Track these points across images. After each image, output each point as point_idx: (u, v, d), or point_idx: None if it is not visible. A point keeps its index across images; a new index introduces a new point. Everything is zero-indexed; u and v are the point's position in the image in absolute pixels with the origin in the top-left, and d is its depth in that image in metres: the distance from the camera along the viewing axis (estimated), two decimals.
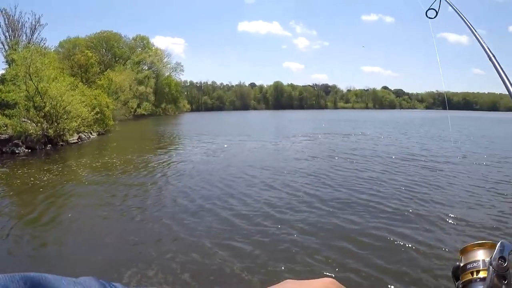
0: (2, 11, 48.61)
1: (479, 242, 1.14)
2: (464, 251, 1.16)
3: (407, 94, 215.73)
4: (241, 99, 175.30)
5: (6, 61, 43.00)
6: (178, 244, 8.71)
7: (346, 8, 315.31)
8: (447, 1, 2.45)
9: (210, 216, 10.54)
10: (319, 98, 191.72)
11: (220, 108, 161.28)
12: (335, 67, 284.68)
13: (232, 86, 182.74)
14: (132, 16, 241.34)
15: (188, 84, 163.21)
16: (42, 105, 27.82)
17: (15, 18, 49.30)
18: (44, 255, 8.36)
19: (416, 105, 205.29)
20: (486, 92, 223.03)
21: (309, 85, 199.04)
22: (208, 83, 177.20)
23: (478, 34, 1.71)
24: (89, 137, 34.06)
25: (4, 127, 25.68)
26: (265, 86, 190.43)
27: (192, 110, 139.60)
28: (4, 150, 23.92)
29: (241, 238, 8.92)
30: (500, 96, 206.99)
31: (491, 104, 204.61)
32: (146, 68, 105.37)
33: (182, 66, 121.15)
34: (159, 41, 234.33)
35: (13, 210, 11.83)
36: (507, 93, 1.18)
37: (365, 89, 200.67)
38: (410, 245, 8.27)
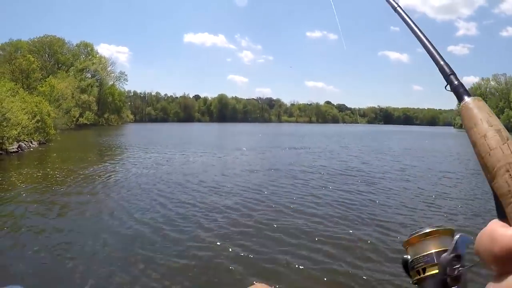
0: None
1: (427, 231, 0.99)
2: (410, 243, 1.02)
3: (350, 109, 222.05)
4: (185, 110, 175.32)
5: None
6: (109, 257, 8.43)
7: (291, 25, 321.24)
8: None
9: (147, 228, 10.39)
10: (263, 111, 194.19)
11: (164, 120, 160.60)
12: (279, 81, 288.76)
13: (177, 97, 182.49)
14: (76, 22, 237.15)
15: (132, 94, 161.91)
16: None
17: None
18: None
19: (358, 119, 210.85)
20: (426, 108, 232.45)
21: (253, 98, 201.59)
22: (152, 93, 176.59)
23: None
24: (30, 146, 32.73)
25: None
26: (210, 98, 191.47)
27: (135, 121, 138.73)
28: None
29: (178, 251, 8.58)
30: (439, 112, 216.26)
31: (431, 119, 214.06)
32: (90, 76, 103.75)
33: (126, 75, 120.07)
34: (103, 49, 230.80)
35: None
36: (422, 46, 1.19)
37: (309, 103, 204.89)
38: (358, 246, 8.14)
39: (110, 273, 7.70)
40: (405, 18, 1.33)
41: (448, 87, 0.94)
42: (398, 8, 1.38)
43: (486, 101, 0.79)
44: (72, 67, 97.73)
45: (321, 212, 11.94)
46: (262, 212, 12.13)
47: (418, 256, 0.96)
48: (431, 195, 15.22)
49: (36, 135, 35.74)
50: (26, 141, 32.66)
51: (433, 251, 0.94)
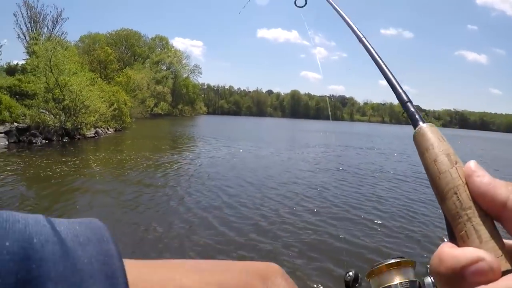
0: (24, 3, 49.12)
1: (391, 262, 0.95)
2: (373, 274, 0.97)
3: (424, 110, 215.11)
4: (257, 105, 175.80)
5: (27, 52, 43.43)
6: (187, 240, 8.54)
7: (365, 22, 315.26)
8: None
9: (214, 218, 10.36)
10: (335, 109, 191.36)
11: (236, 113, 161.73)
12: (353, 79, 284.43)
13: (249, 91, 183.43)
14: (152, 16, 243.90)
15: (206, 86, 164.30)
16: (61, 98, 27.80)
17: (37, 10, 49.79)
18: None
19: (433, 122, 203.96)
20: (504, 113, 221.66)
21: (326, 95, 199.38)
22: (226, 87, 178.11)
23: (344, 14, 1.62)
24: (106, 132, 34.02)
25: (22, 116, 25.75)
26: (282, 94, 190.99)
27: (208, 113, 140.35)
28: (21, 139, 23.88)
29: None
30: None
31: (509, 125, 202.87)
32: (165, 68, 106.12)
33: (200, 68, 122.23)
34: (178, 43, 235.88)
35: (25, 198, 11.68)
36: (382, 75, 1.10)
37: (382, 103, 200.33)
38: None
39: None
40: (368, 48, 1.36)
41: (405, 114, 0.95)
42: (363, 39, 1.42)
43: None
44: (148, 59, 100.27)
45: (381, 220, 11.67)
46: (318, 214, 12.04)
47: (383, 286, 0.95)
48: None
49: (112, 122, 37.19)
50: (103, 128, 33.95)
51: (397, 282, 0.94)
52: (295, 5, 2.60)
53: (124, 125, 40.78)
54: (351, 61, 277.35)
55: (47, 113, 26.99)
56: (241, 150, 26.60)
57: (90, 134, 30.05)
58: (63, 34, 50.97)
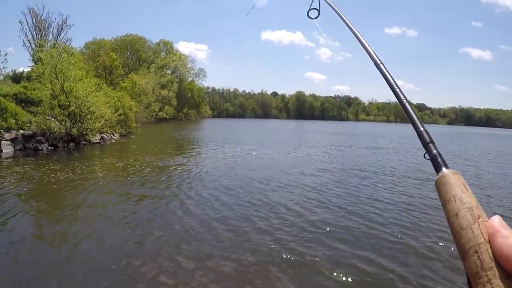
0: (30, 10, 49.31)
1: None
2: None
3: (429, 108, 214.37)
4: (262, 107, 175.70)
5: (33, 59, 43.59)
6: (180, 248, 8.55)
7: (369, 20, 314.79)
8: (326, 1, 2.30)
9: (218, 223, 10.32)
10: (340, 109, 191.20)
11: (241, 116, 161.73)
12: (358, 79, 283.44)
13: (254, 94, 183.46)
14: (156, 21, 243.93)
15: (211, 90, 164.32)
16: (66, 104, 27.89)
17: (42, 17, 49.95)
18: (51, 249, 8.25)
19: (438, 120, 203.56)
20: (509, 109, 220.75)
21: (331, 96, 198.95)
22: (230, 90, 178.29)
23: (361, 36, 1.55)
24: (112, 138, 34.10)
25: (28, 123, 25.81)
26: (287, 96, 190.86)
27: (213, 116, 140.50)
28: (27, 146, 24.01)
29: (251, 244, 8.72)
30: None
31: None
32: (170, 72, 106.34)
33: (205, 72, 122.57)
34: (182, 47, 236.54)
35: (31, 204, 11.74)
36: (396, 100, 1.20)
37: (387, 102, 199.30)
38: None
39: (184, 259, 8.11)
40: (386, 75, 1.36)
41: (427, 155, 0.96)
42: (381, 65, 1.42)
43: None
44: (152, 64, 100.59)
45: (380, 218, 11.58)
46: (317, 214, 11.82)
47: None
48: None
49: (118, 127, 37.32)
50: (108, 133, 34.06)
51: None
52: (308, 16, 2.57)
53: (130, 130, 40.90)
54: (355, 61, 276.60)
55: (53, 119, 27.10)
56: (244, 153, 26.74)
57: (96, 139, 30.14)
58: (68, 41, 51.07)
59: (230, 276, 7.22)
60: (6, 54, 26.94)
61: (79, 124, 28.13)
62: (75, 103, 28.13)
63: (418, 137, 0.97)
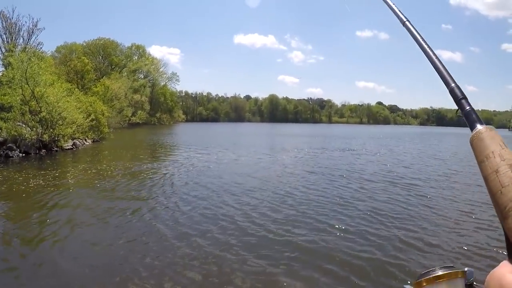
0: None
1: (439, 273, 0.86)
2: (421, 286, 0.88)
3: (401, 110, 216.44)
4: (236, 111, 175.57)
5: (2, 64, 42.93)
6: (163, 250, 8.66)
7: (341, 24, 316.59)
8: None
9: (185, 228, 10.39)
10: (314, 112, 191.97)
11: (215, 120, 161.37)
12: (330, 81, 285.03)
13: (227, 97, 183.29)
14: (128, 24, 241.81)
15: (184, 94, 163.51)
16: (37, 110, 27.58)
17: (12, 20, 49.16)
18: (25, 260, 8.16)
19: (410, 121, 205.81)
20: (480, 109, 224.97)
21: (304, 99, 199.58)
22: (203, 94, 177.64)
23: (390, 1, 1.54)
24: (84, 143, 33.82)
25: None
26: (260, 99, 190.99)
27: (187, 121, 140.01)
28: None
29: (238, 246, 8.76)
30: (493, 113, 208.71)
31: (484, 120, 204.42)
32: (142, 76, 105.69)
33: (178, 76, 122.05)
34: (155, 51, 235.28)
35: (3, 214, 11.60)
36: (426, 58, 1.06)
37: (360, 104, 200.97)
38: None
39: (161, 265, 8.08)
40: (414, 34, 1.30)
41: (460, 112, 0.95)
42: (407, 23, 1.35)
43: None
44: (125, 68, 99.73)
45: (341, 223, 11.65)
46: (279, 220, 11.94)
47: None
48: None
49: (90, 133, 36.92)
50: (81, 139, 33.73)
51: None
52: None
53: (102, 136, 40.53)
54: (327, 64, 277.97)
55: (24, 125, 26.76)
56: (216, 157, 26.70)
57: (68, 146, 29.84)
58: (39, 45, 50.32)
59: (194, 282, 7.24)
60: None
61: (51, 130, 27.83)
62: (46, 108, 27.84)
63: (450, 93, 0.95)
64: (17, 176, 17.69)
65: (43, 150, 26.60)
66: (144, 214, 11.73)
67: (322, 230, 10.32)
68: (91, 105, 40.34)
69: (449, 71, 0.97)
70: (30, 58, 28.83)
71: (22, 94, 27.67)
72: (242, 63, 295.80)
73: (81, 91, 48.72)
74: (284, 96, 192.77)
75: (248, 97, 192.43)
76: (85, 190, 15.51)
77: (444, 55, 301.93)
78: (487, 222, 11.12)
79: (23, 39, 49.89)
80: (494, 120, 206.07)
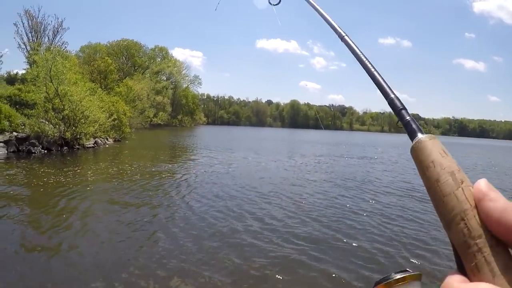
0: (25, 12, 49.24)
1: (397, 277, 0.81)
2: None
3: (423, 119, 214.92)
4: (257, 115, 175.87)
5: (28, 62, 43.56)
6: (172, 249, 8.57)
7: (363, 31, 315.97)
8: None
9: (213, 227, 10.39)
10: (335, 118, 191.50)
11: (236, 123, 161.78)
12: (352, 88, 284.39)
13: (249, 102, 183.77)
14: (152, 27, 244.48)
15: (205, 97, 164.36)
16: (61, 108, 27.82)
17: (38, 20, 49.88)
18: (45, 255, 8.17)
19: (432, 130, 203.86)
20: (503, 121, 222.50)
21: (325, 105, 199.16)
22: (225, 97, 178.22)
23: (323, 11, 1.53)
24: (105, 142, 34.03)
25: (22, 126, 25.75)
26: (282, 104, 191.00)
27: (208, 123, 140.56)
28: (20, 148, 23.93)
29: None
30: None
31: (508, 132, 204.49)
32: (165, 78, 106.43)
33: (200, 79, 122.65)
34: (177, 53, 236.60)
35: (20, 208, 11.66)
36: (365, 72, 1.04)
37: (381, 112, 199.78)
38: None
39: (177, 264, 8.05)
40: (352, 47, 1.28)
41: (400, 123, 0.93)
42: (346, 37, 1.34)
43: None
44: (148, 70, 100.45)
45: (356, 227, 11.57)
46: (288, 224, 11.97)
47: None
48: None
49: (112, 132, 37.20)
50: (102, 138, 33.97)
51: None
52: (269, 3, 2.59)
53: (124, 136, 40.76)
54: (349, 70, 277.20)
55: (47, 122, 27.00)
56: (237, 161, 26.50)
57: (89, 144, 30.06)
58: (63, 44, 51.06)
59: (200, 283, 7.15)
60: (1, 56, 26.97)
61: (73, 128, 28.04)
62: (69, 106, 28.06)
63: (389, 104, 0.95)
64: (38, 171, 17.83)
65: (65, 147, 26.82)
66: (158, 213, 11.66)
67: (331, 240, 10.25)
68: (113, 105, 40.62)
69: (387, 82, 0.96)
70: (54, 57, 29.10)
71: (46, 92, 27.94)
72: (264, 67, 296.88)
73: (104, 90, 49.13)
74: (306, 102, 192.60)
75: (269, 102, 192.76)
76: (103, 188, 15.51)
77: (467, 64, 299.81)
78: None
79: (48, 38, 50.65)
80: None
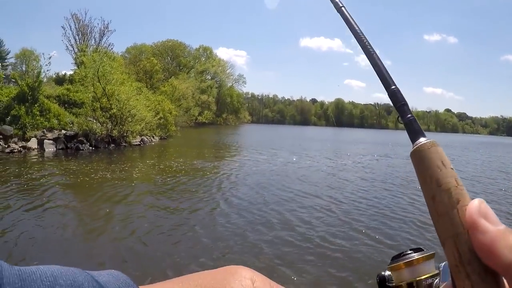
0: (72, 16, 50.61)
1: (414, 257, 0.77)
2: (394, 269, 0.80)
3: (470, 118, 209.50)
4: (301, 114, 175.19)
5: (75, 63, 44.71)
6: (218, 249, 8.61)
7: (408, 28, 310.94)
8: None
9: (256, 228, 10.16)
10: (380, 117, 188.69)
11: (280, 122, 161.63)
12: (398, 86, 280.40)
13: (293, 100, 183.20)
14: (196, 27, 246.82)
15: (250, 96, 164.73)
16: (108, 107, 28.44)
17: (85, 23, 51.20)
18: (90, 246, 8.39)
19: (479, 130, 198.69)
20: None
21: (370, 103, 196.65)
22: (270, 96, 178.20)
23: None
24: (151, 140, 34.48)
25: (70, 124, 26.46)
26: (326, 103, 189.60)
27: (252, 122, 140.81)
28: (69, 145, 24.58)
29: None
30: None
31: None
32: (209, 78, 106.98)
33: (244, 78, 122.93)
34: (222, 53, 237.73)
35: (69, 203, 11.92)
36: (364, 53, 0.88)
37: (427, 110, 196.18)
38: None
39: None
40: (349, 21, 1.01)
41: (400, 119, 0.83)
42: (342, 8, 1.08)
43: None
44: (192, 69, 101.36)
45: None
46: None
47: (403, 282, 0.78)
48: None
49: (157, 130, 37.73)
50: (148, 136, 34.46)
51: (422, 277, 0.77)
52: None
53: (169, 134, 41.20)
54: (394, 68, 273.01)
55: (95, 121, 27.63)
56: (281, 160, 26.33)
57: (136, 142, 30.59)
58: (109, 46, 52.12)
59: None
60: (50, 58, 27.68)
61: (120, 126, 28.64)
62: (117, 105, 28.67)
63: (390, 97, 0.81)
64: (85, 167, 18.25)
65: (112, 145, 27.39)
66: (197, 211, 11.63)
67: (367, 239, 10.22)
68: (159, 104, 41.24)
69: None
70: (102, 58, 29.75)
71: (93, 91, 28.67)
72: (308, 66, 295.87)
73: (150, 90, 49.92)
74: (350, 100, 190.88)
75: (314, 101, 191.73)
76: (147, 184, 15.77)
77: None
78: None
79: (95, 40, 51.91)
80: None
